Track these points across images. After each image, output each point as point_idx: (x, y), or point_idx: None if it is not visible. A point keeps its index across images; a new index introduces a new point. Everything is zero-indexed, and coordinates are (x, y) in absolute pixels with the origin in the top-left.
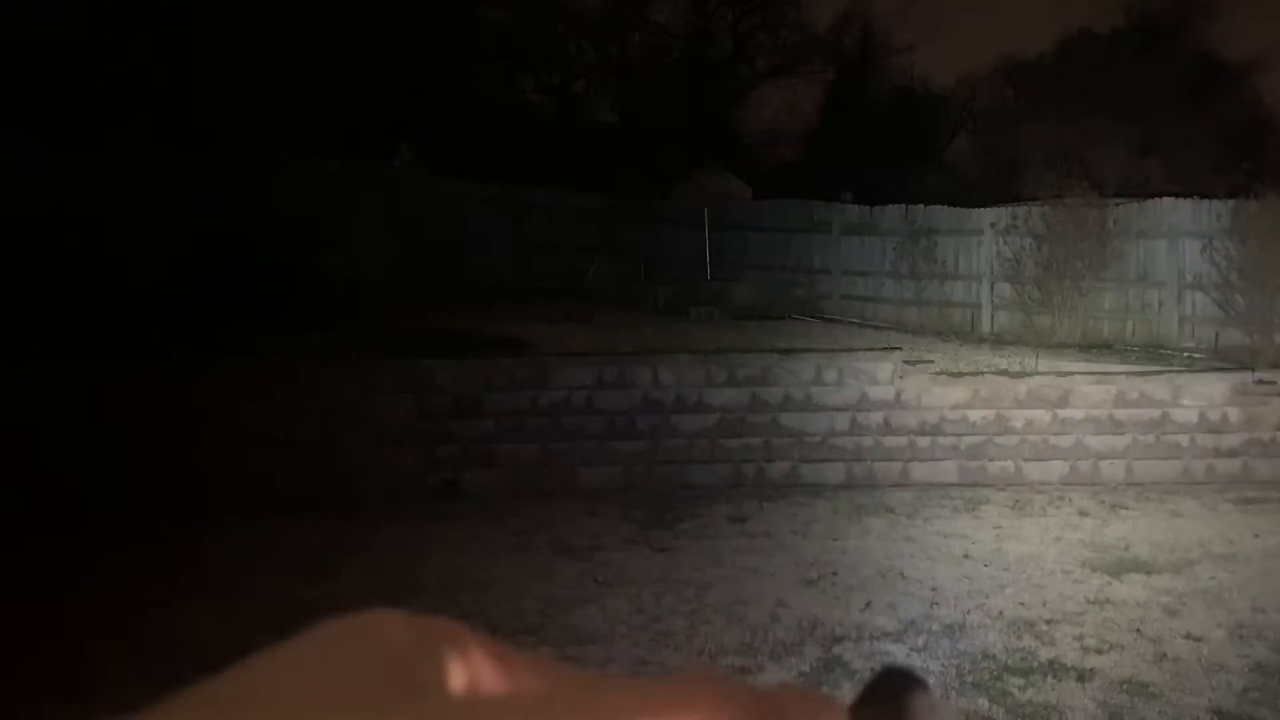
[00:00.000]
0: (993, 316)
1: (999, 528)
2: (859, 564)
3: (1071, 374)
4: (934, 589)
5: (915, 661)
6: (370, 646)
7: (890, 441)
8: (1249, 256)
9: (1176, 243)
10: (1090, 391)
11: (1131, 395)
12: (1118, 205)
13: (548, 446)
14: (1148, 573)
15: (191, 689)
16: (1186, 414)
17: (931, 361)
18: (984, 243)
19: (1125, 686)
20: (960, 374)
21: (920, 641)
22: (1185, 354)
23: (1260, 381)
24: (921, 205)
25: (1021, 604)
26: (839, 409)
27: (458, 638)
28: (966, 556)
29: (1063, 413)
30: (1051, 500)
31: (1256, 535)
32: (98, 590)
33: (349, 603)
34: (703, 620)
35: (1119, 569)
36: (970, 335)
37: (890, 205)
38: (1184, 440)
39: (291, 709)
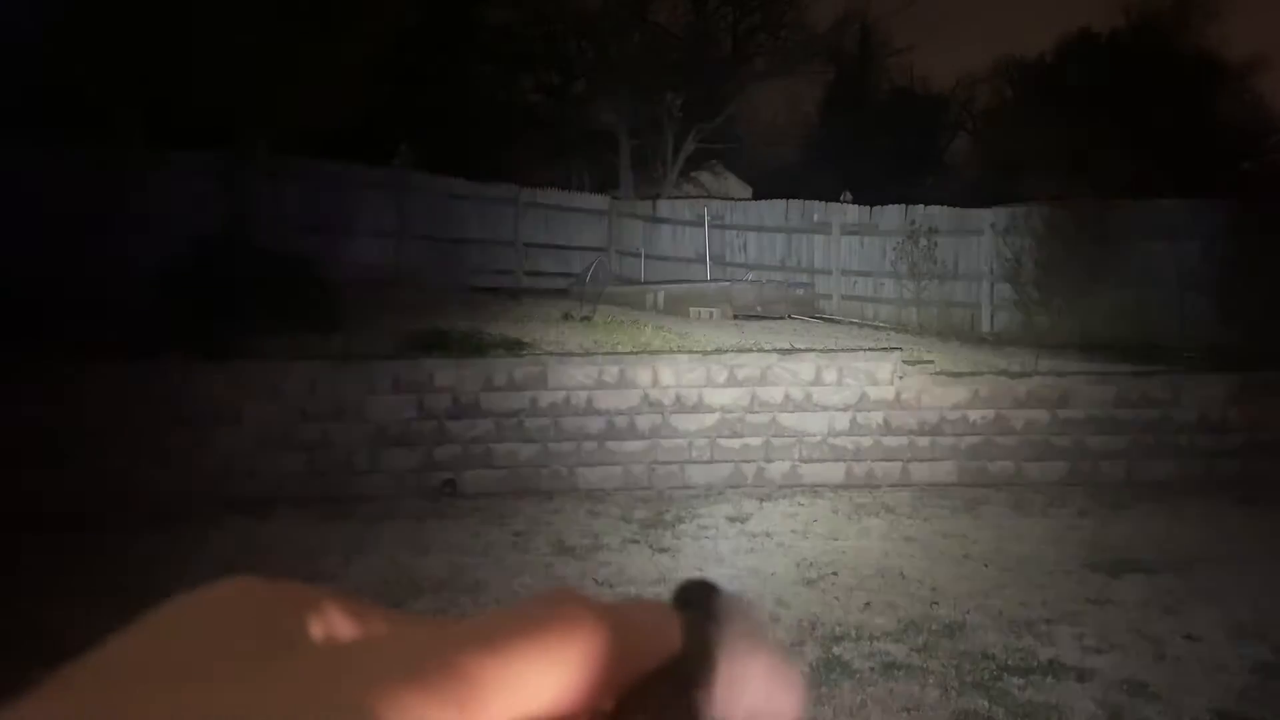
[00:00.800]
0: (993, 316)
1: (999, 528)
2: (859, 564)
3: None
4: (934, 589)
5: (915, 661)
6: (230, 612)
7: (890, 441)
8: None
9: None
10: (1091, 391)
11: (1133, 395)
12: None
13: (548, 446)
14: (1149, 572)
15: (54, 675)
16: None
17: (931, 361)
18: (984, 243)
19: (1125, 686)
20: (960, 374)
21: (920, 641)
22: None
23: None
24: (921, 205)
25: (1021, 604)
26: (839, 409)
27: (316, 598)
28: (966, 556)
29: (1063, 413)
30: (1051, 500)
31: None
32: (71, 589)
33: None
34: None
35: (1119, 569)
36: (970, 335)
37: (890, 205)
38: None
39: (154, 679)
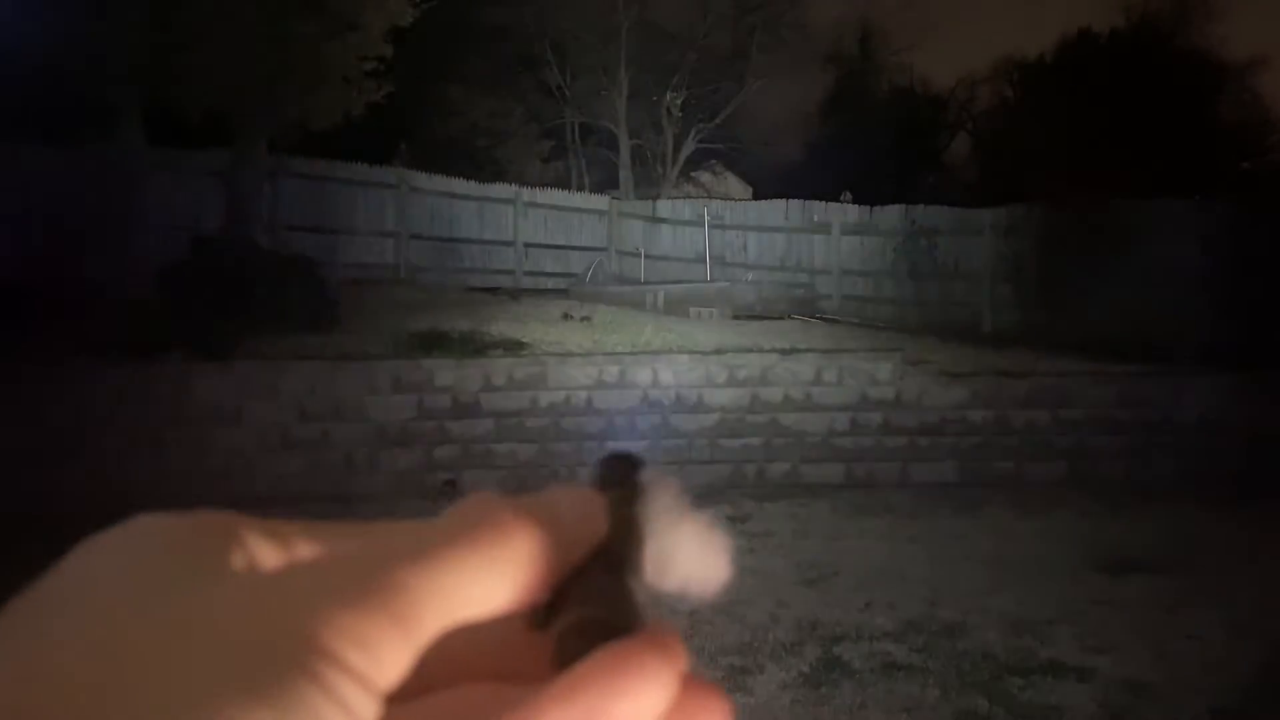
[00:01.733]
0: (993, 316)
1: (999, 528)
2: (859, 564)
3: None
4: (934, 589)
5: (916, 661)
6: (145, 547)
7: (890, 442)
8: None
9: None
10: (1090, 391)
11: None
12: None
13: (548, 446)
14: (1149, 572)
15: None
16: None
17: (931, 362)
18: (984, 243)
19: (1125, 686)
20: (960, 374)
21: (920, 641)
22: None
23: None
24: (921, 205)
25: (1021, 604)
26: (839, 409)
27: (233, 524)
28: (966, 557)
29: (1063, 413)
30: (1051, 500)
31: None
32: None
33: None
34: (703, 620)
35: (1119, 569)
36: (970, 335)
37: (890, 205)
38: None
39: (66, 623)
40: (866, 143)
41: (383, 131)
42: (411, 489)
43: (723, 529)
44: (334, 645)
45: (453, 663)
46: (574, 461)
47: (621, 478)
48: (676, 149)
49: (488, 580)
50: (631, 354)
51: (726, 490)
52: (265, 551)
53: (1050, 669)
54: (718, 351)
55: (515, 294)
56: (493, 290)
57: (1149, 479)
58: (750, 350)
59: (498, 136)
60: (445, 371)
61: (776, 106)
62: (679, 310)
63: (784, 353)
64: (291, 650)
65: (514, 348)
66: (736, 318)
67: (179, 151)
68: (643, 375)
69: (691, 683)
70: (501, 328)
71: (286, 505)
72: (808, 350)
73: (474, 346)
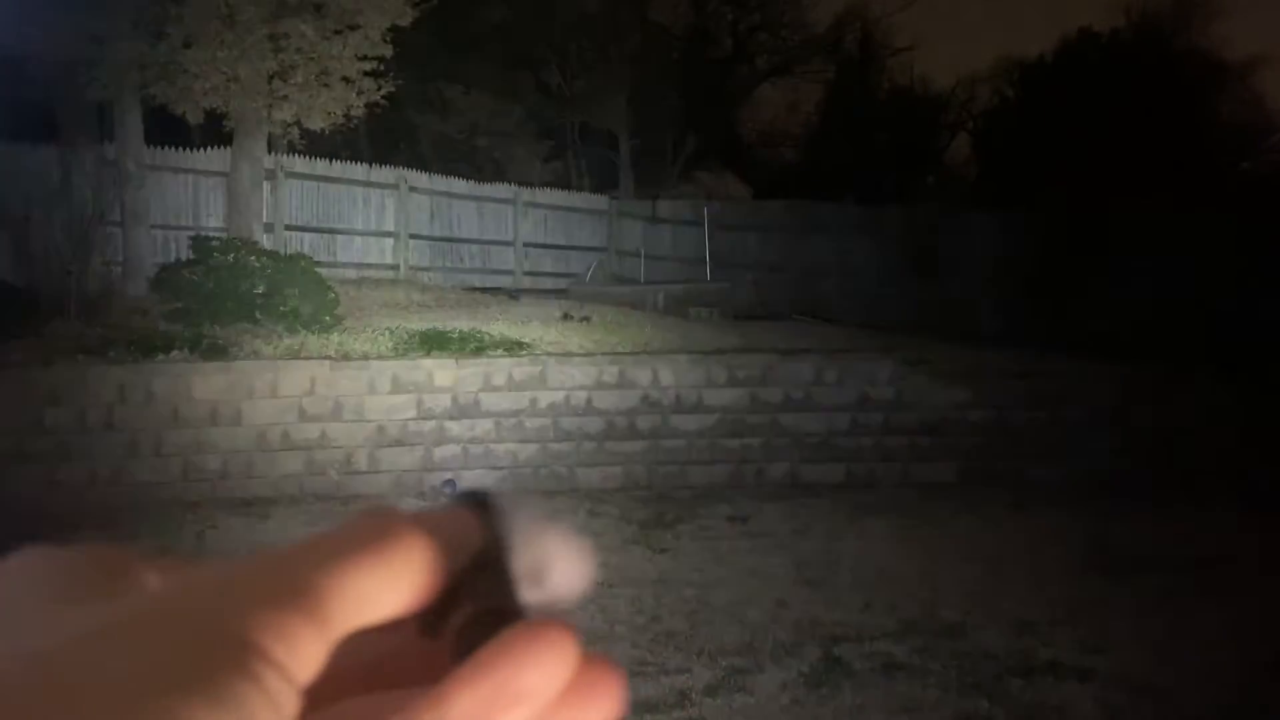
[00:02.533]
0: (993, 316)
1: (999, 528)
2: (859, 564)
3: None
4: (934, 589)
5: (916, 662)
6: (42, 573)
7: (890, 442)
8: None
9: None
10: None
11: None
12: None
13: (547, 446)
14: (1149, 572)
15: None
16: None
17: (931, 361)
18: (984, 243)
19: (1125, 686)
20: (960, 374)
21: (920, 642)
22: None
23: None
24: (921, 205)
25: (1022, 604)
26: (839, 409)
27: (116, 556)
28: (967, 557)
29: (1063, 412)
30: (1052, 500)
31: None
32: None
33: None
34: (703, 620)
35: (1119, 569)
36: (971, 335)
37: (890, 205)
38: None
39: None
40: (866, 143)
41: (383, 131)
42: (411, 489)
43: (581, 538)
44: (258, 639)
45: (353, 672)
46: (574, 461)
47: (483, 502)
48: (676, 149)
49: (388, 583)
50: (631, 354)
51: (726, 490)
52: (156, 582)
53: (1050, 669)
54: (718, 351)
55: (515, 294)
56: (493, 290)
57: (1149, 479)
58: (750, 350)
59: (498, 136)
60: (445, 371)
61: (776, 106)
62: (679, 310)
63: (784, 353)
64: (218, 645)
65: (514, 348)
66: (736, 318)
67: (179, 151)
68: (643, 375)
69: (585, 658)
70: (501, 328)
71: (287, 505)
72: (808, 350)
73: (474, 346)
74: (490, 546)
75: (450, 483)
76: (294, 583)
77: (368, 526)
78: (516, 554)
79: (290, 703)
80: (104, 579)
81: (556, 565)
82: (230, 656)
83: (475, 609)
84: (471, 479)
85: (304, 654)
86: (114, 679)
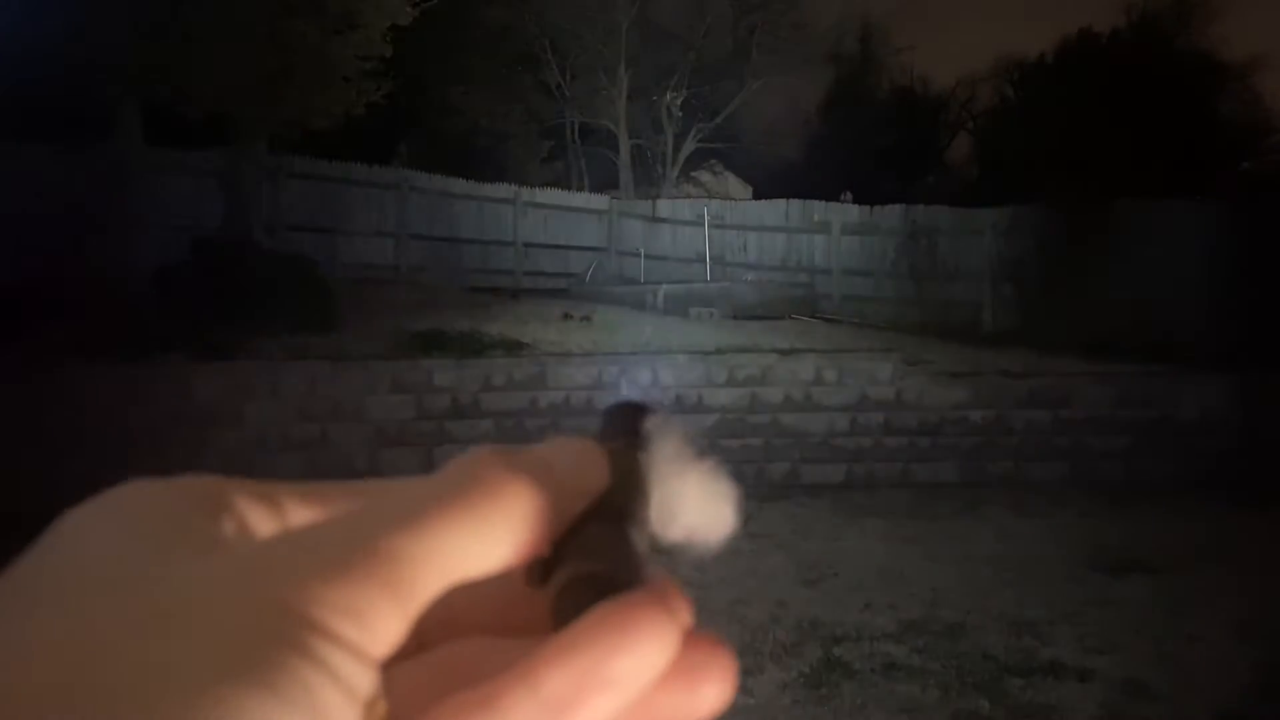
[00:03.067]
0: (993, 316)
1: (999, 528)
2: (859, 564)
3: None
4: (934, 589)
5: (916, 662)
6: (132, 517)
7: (891, 442)
8: None
9: None
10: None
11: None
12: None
13: None
14: (1149, 572)
15: None
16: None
17: (931, 361)
18: (984, 243)
19: (1125, 686)
20: (960, 374)
21: (920, 642)
22: None
23: None
24: (921, 205)
25: (1022, 604)
26: (839, 409)
27: (222, 491)
28: (967, 557)
29: (1063, 413)
30: (1051, 500)
31: None
32: None
33: None
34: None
35: (1119, 569)
36: (970, 335)
37: (890, 205)
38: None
39: (53, 596)
40: (866, 143)
41: (383, 131)
42: None
43: (727, 478)
44: (325, 618)
45: (450, 620)
46: None
47: (627, 427)
48: (676, 149)
49: (483, 540)
50: (631, 354)
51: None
52: (256, 516)
53: (1050, 669)
54: (718, 351)
55: (515, 294)
56: (493, 290)
57: (1149, 479)
58: (750, 350)
59: (498, 136)
60: (445, 371)
61: (776, 106)
62: (679, 310)
63: (784, 353)
64: (281, 626)
65: (514, 348)
66: (736, 318)
67: (179, 151)
68: (643, 375)
69: (693, 638)
70: (501, 328)
71: None
72: (808, 350)
73: (474, 346)
74: (617, 489)
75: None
76: (373, 547)
77: (466, 474)
78: (647, 497)
79: (365, 683)
80: (202, 518)
81: (694, 509)
82: (294, 639)
83: (580, 568)
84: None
85: (380, 629)
86: (169, 661)
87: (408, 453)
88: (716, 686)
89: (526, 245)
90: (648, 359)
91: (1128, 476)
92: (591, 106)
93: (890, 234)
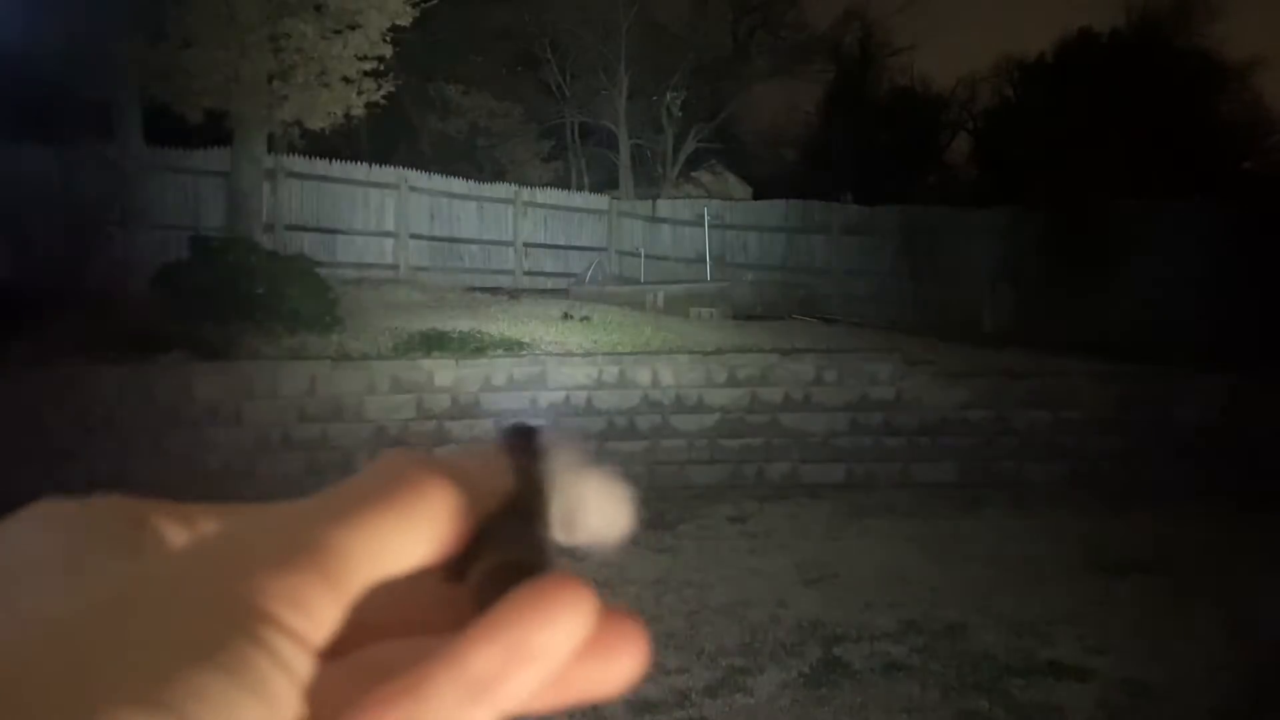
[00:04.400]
0: (993, 316)
1: (999, 528)
2: (859, 564)
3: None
4: (934, 589)
5: (916, 662)
6: (52, 533)
7: (891, 442)
8: None
9: None
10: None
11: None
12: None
13: None
14: (1149, 572)
15: None
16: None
17: (931, 361)
18: (984, 243)
19: (1125, 686)
20: (960, 374)
21: (921, 642)
22: None
23: None
24: (921, 205)
25: (1022, 604)
26: (839, 409)
27: (135, 507)
28: (967, 557)
29: (1063, 413)
30: (1051, 500)
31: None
32: None
33: None
34: (703, 620)
35: (1119, 569)
36: (970, 335)
37: (890, 205)
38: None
39: (13, 591)
40: (866, 143)
41: (383, 131)
42: None
43: (620, 483)
44: (271, 607)
45: (375, 621)
46: None
47: (522, 444)
48: (676, 149)
49: (407, 535)
50: (631, 354)
51: (726, 490)
52: (174, 534)
53: (1050, 669)
54: (718, 351)
55: (515, 294)
56: (493, 290)
57: (1149, 479)
58: (750, 350)
59: (498, 136)
60: (445, 371)
61: (776, 106)
62: (679, 310)
63: (784, 353)
64: (231, 616)
65: (514, 348)
66: (736, 318)
67: (179, 151)
68: (643, 375)
69: (607, 613)
70: (501, 328)
71: None
72: (808, 350)
73: (474, 346)
74: (522, 492)
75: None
76: (307, 541)
77: (387, 474)
78: (548, 499)
79: (305, 667)
80: (121, 534)
81: (591, 511)
82: (243, 625)
83: (499, 559)
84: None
85: (318, 616)
86: (128, 650)
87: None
88: (630, 656)
89: (526, 245)
90: (648, 359)
91: (1128, 477)
92: (591, 106)
93: (890, 234)
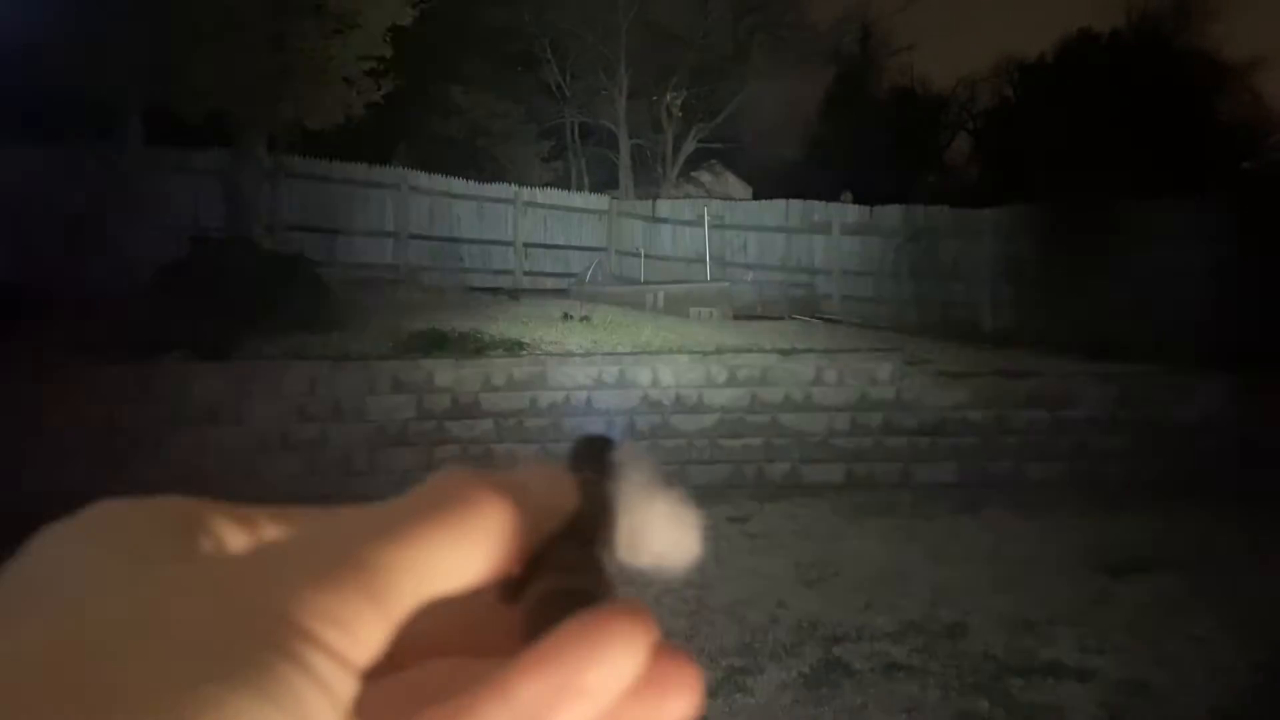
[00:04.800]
0: (993, 316)
1: (999, 528)
2: (859, 564)
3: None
4: (934, 589)
5: (916, 662)
6: (106, 535)
7: (891, 442)
8: None
9: None
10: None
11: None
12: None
13: (547, 446)
14: (1148, 571)
15: None
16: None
17: (931, 361)
18: (984, 243)
19: (1125, 686)
20: (960, 374)
21: (921, 642)
22: None
23: None
24: (921, 205)
25: (1022, 604)
26: (839, 409)
27: (194, 508)
28: (967, 557)
29: (1063, 413)
30: (1051, 500)
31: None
32: None
33: None
34: (703, 620)
35: (1119, 569)
36: (970, 335)
37: (890, 205)
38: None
39: (29, 607)
40: (866, 143)
41: (383, 131)
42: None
43: (692, 507)
44: (311, 625)
45: (425, 638)
46: None
47: (595, 458)
48: (676, 149)
49: (460, 555)
50: (631, 354)
51: (726, 490)
52: (232, 536)
53: (1050, 669)
54: (718, 351)
55: (515, 294)
56: (493, 290)
57: (1149, 479)
58: (750, 350)
59: (498, 136)
60: (445, 371)
61: (776, 106)
62: (679, 310)
63: (784, 353)
64: (268, 631)
65: (514, 348)
66: (736, 318)
67: (179, 151)
68: (643, 375)
69: (662, 650)
70: (501, 328)
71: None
72: (808, 350)
73: (474, 346)
74: (586, 515)
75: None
76: (355, 557)
77: (443, 491)
78: (614, 520)
79: (347, 689)
80: (179, 536)
81: (660, 536)
82: (282, 644)
83: (555, 583)
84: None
85: (363, 638)
86: (158, 663)
87: (408, 453)
88: (684, 698)
89: (526, 245)
90: (648, 359)
91: (1127, 477)
92: (591, 106)
93: (890, 234)
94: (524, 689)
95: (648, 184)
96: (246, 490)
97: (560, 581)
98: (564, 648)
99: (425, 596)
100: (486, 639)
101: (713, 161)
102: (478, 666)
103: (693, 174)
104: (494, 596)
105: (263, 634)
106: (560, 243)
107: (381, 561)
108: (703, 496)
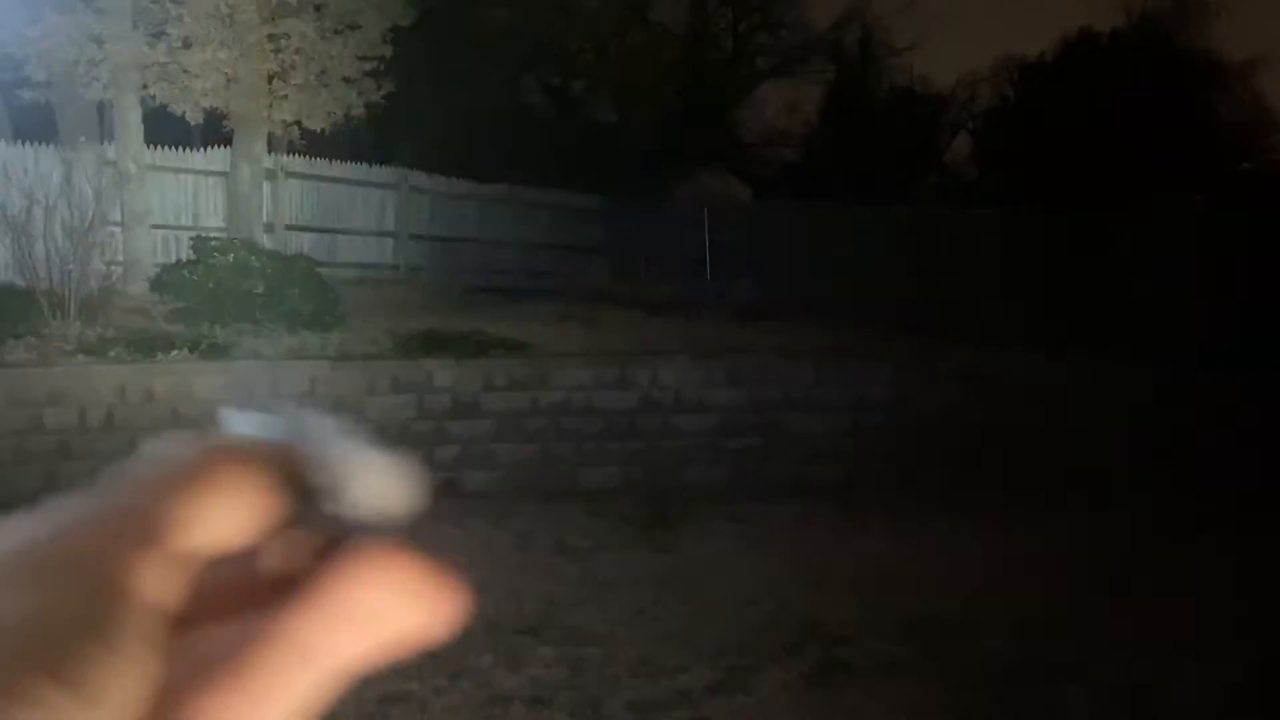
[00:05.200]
0: (992, 316)
1: (999, 527)
2: (859, 564)
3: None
4: (934, 589)
5: (917, 662)
6: None
7: (890, 442)
8: None
9: None
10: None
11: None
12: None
13: (547, 446)
14: (1147, 571)
15: None
16: None
17: (931, 361)
18: (982, 243)
19: (1125, 687)
20: (960, 374)
21: (920, 642)
22: None
23: None
24: (921, 205)
25: (1022, 604)
26: (839, 409)
27: None
28: (966, 557)
29: (1063, 412)
30: (1051, 499)
31: None
32: None
33: None
34: (703, 620)
35: (1119, 568)
36: (971, 335)
37: (890, 205)
38: None
39: None
40: (866, 143)
41: (383, 131)
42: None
43: (398, 457)
44: (130, 578)
45: (209, 599)
46: (574, 462)
47: (290, 428)
48: (677, 149)
49: (229, 510)
50: (631, 354)
51: (726, 490)
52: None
53: (1050, 669)
54: (718, 351)
55: (515, 294)
56: (493, 290)
57: (1148, 478)
58: (750, 350)
59: (499, 135)
60: (445, 371)
61: (776, 106)
62: (679, 310)
63: (784, 353)
64: (97, 588)
65: (514, 348)
66: (736, 318)
67: (179, 151)
68: (643, 375)
69: (418, 568)
70: (501, 328)
71: None
72: (808, 350)
73: (474, 346)
74: (305, 477)
75: (450, 482)
76: (123, 510)
77: (188, 455)
78: (334, 478)
79: (162, 636)
80: None
81: (373, 487)
82: (110, 597)
83: (312, 536)
84: (471, 479)
85: (169, 589)
86: (9, 626)
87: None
88: (439, 600)
89: (527, 245)
90: (648, 359)
91: (1128, 475)
92: (591, 107)
93: (890, 234)
94: (300, 624)
95: (648, 184)
96: None
97: (320, 531)
98: (328, 582)
99: (189, 547)
100: (259, 599)
101: (713, 162)
102: (252, 625)
103: (693, 174)
104: (259, 557)
105: (93, 592)
106: (560, 243)
107: (147, 510)
108: (703, 496)
